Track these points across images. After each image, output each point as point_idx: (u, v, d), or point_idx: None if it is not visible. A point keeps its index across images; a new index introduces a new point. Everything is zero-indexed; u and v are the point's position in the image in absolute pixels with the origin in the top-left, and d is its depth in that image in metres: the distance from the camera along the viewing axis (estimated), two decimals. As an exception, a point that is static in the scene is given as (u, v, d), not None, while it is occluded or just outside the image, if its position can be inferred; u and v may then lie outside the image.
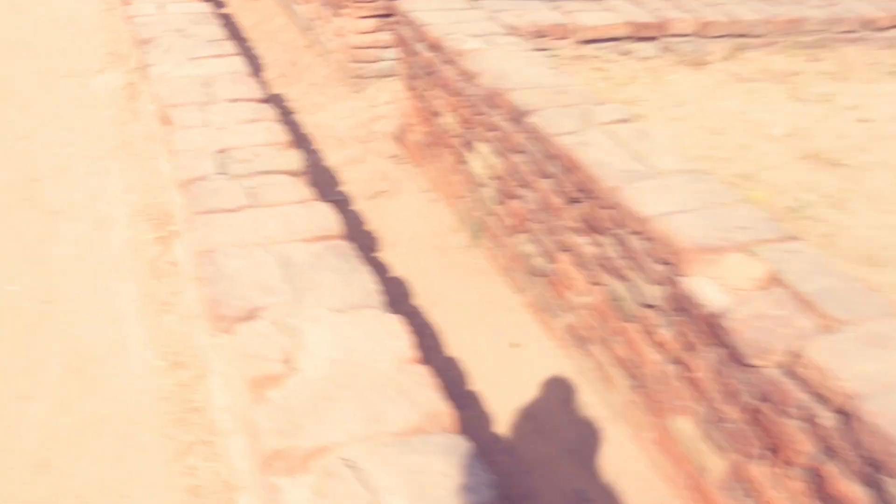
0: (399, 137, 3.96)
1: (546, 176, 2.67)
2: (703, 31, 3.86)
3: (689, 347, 2.09)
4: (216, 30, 3.29)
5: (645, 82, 3.63)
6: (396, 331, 1.68)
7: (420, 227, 3.38)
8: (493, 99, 2.93)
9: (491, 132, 3.00)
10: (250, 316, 1.69)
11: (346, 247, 1.93)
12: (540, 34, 3.59)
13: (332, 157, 3.88)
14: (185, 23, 3.34)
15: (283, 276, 1.80)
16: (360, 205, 3.53)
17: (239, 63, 2.96)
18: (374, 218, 3.43)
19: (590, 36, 3.68)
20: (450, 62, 3.24)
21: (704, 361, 2.03)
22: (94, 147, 2.96)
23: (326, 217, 2.04)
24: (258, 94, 2.73)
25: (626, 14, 3.79)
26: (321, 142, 4.03)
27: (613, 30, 3.71)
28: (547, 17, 3.67)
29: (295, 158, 2.31)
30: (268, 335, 1.62)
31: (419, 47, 3.50)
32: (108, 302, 2.25)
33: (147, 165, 2.84)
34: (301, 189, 2.17)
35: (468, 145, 3.22)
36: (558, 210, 2.63)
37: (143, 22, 3.33)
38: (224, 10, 5.79)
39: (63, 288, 2.30)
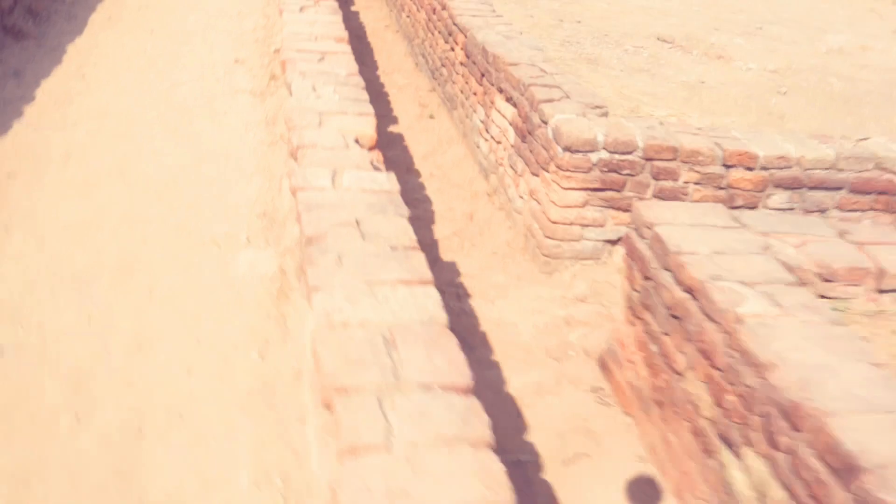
0: (605, 365, 3.04)
1: (887, 581, 1.69)
2: None
3: None
4: (404, 227, 2.48)
5: (969, 363, 2.60)
6: None
7: (636, 531, 2.44)
8: (795, 416, 1.98)
9: (779, 452, 2.05)
10: None
11: None
12: (829, 277, 2.63)
13: (516, 379, 3.00)
14: (363, 208, 2.54)
15: None
16: (550, 470, 2.62)
17: (433, 303, 2.12)
18: (570, 501, 2.51)
19: (893, 284, 2.69)
20: (717, 322, 2.31)
21: None
22: (222, 383, 2.18)
23: None
24: (462, 377, 1.87)
25: (944, 255, 2.78)
26: (501, 349, 3.16)
27: (927, 278, 2.71)
28: (837, 252, 2.70)
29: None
30: None
31: (664, 277, 2.60)
32: None
33: (289, 434, 2.02)
34: None
35: (727, 441, 2.27)
36: None
37: (310, 201, 2.54)
38: (396, 129, 5.10)
39: None
